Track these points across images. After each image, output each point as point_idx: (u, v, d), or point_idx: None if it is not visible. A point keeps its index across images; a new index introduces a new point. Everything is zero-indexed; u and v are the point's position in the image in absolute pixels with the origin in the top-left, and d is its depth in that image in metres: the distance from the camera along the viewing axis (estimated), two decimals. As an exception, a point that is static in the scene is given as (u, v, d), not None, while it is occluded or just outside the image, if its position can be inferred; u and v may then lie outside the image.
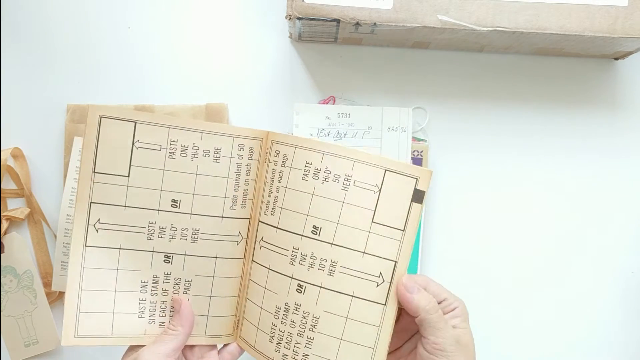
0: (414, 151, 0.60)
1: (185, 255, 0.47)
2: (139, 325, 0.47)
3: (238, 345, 0.49)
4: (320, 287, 0.44)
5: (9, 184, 0.61)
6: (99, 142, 0.44)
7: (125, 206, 0.45)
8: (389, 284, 0.43)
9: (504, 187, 0.62)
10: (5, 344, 0.60)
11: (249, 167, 0.47)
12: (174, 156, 0.45)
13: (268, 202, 0.47)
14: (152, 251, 0.46)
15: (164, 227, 0.46)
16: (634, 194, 0.62)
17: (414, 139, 0.61)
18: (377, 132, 0.59)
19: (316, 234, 0.44)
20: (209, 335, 0.48)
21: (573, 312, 0.62)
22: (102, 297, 0.46)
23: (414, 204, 0.43)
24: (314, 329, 0.44)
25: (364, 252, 0.43)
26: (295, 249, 0.45)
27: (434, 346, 0.42)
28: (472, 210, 0.62)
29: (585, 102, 0.62)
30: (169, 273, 0.47)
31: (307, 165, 0.45)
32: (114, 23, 0.61)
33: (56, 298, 0.61)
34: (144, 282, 0.47)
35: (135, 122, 0.45)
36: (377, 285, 0.43)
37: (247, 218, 0.48)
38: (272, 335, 0.45)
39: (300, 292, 0.44)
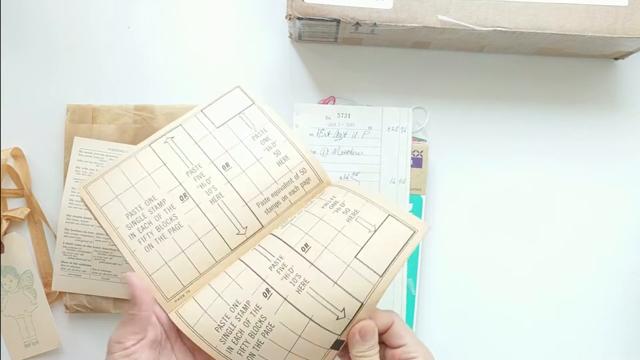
0: (414, 151, 0.60)
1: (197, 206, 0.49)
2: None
3: (170, 318, 0.47)
4: (285, 299, 0.44)
5: (9, 184, 0.61)
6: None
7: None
8: (349, 320, 0.43)
9: (503, 187, 0.62)
10: (5, 344, 0.60)
11: (294, 190, 0.50)
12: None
13: (286, 222, 0.48)
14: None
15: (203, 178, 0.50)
16: (634, 194, 0.62)
17: (414, 139, 0.61)
18: (377, 132, 0.59)
19: (304, 251, 0.45)
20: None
21: (573, 312, 0.62)
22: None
23: (402, 253, 0.44)
24: (266, 335, 0.44)
25: (335, 283, 0.43)
26: (281, 257, 0.46)
27: None
28: (471, 210, 0.62)
29: (585, 103, 0.62)
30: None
31: (332, 198, 0.48)
32: (114, 23, 0.61)
33: (56, 298, 0.61)
34: None
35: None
36: (337, 319, 0.43)
37: (261, 225, 0.49)
38: (221, 325, 0.45)
39: (265, 297, 0.44)
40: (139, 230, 0.47)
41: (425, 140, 0.61)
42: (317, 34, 0.57)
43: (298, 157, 0.50)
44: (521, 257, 0.62)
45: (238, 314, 0.45)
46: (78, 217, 0.59)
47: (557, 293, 0.62)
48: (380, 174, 0.59)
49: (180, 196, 0.48)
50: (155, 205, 0.48)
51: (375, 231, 0.44)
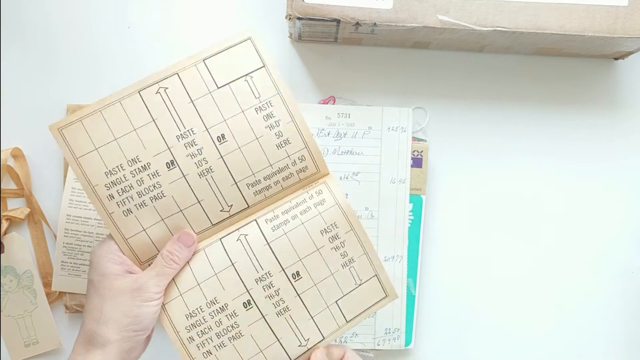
0: (414, 151, 0.60)
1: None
2: None
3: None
4: (263, 317, 0.46)
5: (9, 184, 0.61)
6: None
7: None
8: (307, 349, 0.47)
9: (503, 187, 0.62)
10: (5, 344, 0.60)
11: (288, 176, 0.48)
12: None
13: (277, 218, 0.47)
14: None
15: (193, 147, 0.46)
16: (634, 193, 0.62)
17: (414, 139, 0.61)
18: (377, 132, 0.59)
19: (294, 279, 0.46)
20: None
21: (573, 312, 0.62)
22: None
23: (370, 309, 0.48)
24: (232, 341, 0.46)
25: (311, 317, 0.47)
26: (269, 274, 0.46)
27: None
28: (471, 209, 0.62)
29: (585, 102, 0.62)
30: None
31: (334, 226, 0.47)
32: (114, 23, 0.61)
33: (56, 298, 0.61)
34: None
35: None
36: (299, 345, 0.47)
37: (247, 205, 0.48)
38: (192, 315, 0.46)
39: (245, 308, 0.46)
40: (118, 193, 0.45)
41: (425, 140, 0.61)
42: (317, 34, 0.57)
43: (300, 143, 0.47)
44: (521, 257, 0.62)
45: (213, 312, 0.46)
46: (78, 217, 0.59)
47: (557, 293, 0.62)
48: (380, 174, 0.59)
49: (167, 163, 0.45)
50: (138, 168, 0.45)
51: (360, 285, 0.48)
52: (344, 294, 0.48)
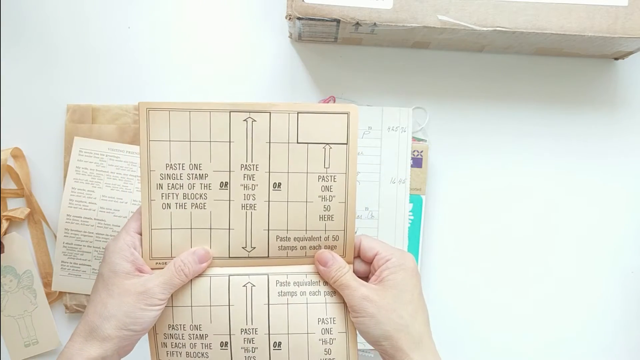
0: (414, 151, 0.60)
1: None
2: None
3: None
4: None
5: (9, 184, 0.61)
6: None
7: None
8: None
9: (503, 187, 0.62)
10: (5, 344, 0.60)
11: (316, 247, 0.48)
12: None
13: (287, 284, 0.48)
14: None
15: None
16: (634, 193, 0.62)
17: (414, 139, 0.61)
18: (377, 132, 0.59)
19: (274, 347, 0.47)
20: None
21: (573, 311, 0.62)
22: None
23: None
24: None
25: None
26: (255, 331, 0.47)
27: (349, 306, 0.46)
28: (471, 209, 0.62)
29: (585, 102, 0.62)
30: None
31: (331, 321, 0.48)
32: (114, 23, 0.61)
33: (56, 298, 0.61)
34: None
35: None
36: None
37: (267, 254, 0.49)
38: (175, 328, 0.47)
39: (220, 347, 0.47)
40: (168, 186, 0.47)
41: (425, 140, 0.61)
42: (317, 34, 0.57)
43: (342, 224, 0.48)
44: (520, 256, 0.62)
45: (192, 335, 0.47)
46: (78, 217, 0.59)
47: (557, 292, 0.62)
48: (380, 174, 0.59)
49: (222, 182, 0.47)
50: (196, 174, 0.47)
51: None
52: None
